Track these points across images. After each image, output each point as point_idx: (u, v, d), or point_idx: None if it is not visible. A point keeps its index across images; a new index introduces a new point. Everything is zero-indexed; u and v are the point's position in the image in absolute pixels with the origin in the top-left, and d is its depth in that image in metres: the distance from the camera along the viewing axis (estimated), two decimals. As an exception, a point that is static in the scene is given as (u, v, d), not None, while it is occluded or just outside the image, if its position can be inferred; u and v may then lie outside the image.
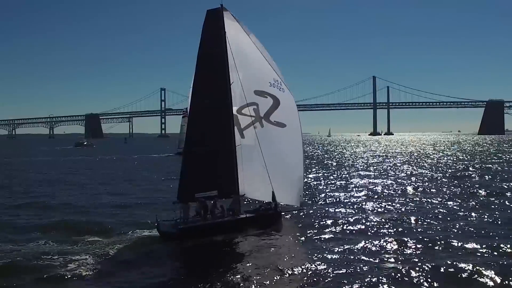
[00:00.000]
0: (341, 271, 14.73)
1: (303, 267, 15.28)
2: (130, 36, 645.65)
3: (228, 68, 20.63)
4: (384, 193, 31.54)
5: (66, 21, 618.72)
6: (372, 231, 20.15)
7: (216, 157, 20.40)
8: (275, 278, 14.42)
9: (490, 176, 41.39)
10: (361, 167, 55.50)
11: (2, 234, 20.35)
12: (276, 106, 21.40)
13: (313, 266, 15.34)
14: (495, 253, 16.32)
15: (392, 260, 15.88)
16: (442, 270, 14.56)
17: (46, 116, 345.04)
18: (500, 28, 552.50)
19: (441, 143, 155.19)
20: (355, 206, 26.48)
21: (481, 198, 28.62)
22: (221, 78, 20.51)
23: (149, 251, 17.53)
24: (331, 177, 43.31)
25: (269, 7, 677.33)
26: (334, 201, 28.71)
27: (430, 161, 64.67)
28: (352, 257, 16.28)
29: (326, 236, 19.44)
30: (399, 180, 39.60)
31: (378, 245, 17.67)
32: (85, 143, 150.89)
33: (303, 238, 19.38)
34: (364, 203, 27.59)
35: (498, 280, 13.65)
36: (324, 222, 21.96)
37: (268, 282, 14.07)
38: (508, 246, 16.94)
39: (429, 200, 27.89)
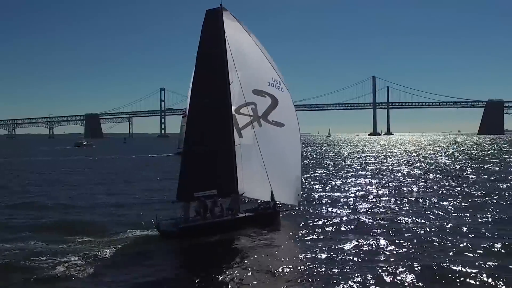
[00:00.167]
0: (339, 270, 14.80)
1: (301, 266, 15.39)
2: (130, 36, 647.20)
3: (227, 68, 20.70)
4: (381, 193, 31.65)
5: (66, 21, 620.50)
6: (369, 231, 20.22)
7: (215, 157, 20.48)
8: (274, 277, 14.49)
9: (486, 176, 41.50)
10: (359, 167, 55.66)
11: (2, 234, 20.36)
12: (274, 105, 21.44)
13: (312, 265, 15.43)
14: (487, 253, 16.35)
15: (392, 260, 15.90)
16: (436, 270, 14.63)
17: (46, 116, 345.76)
18: (500, 28, 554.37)
19: (440, 143, 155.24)
20: (353, 206, 26.59)
21: (475, 199, 28.63)
22: (220, 78, 20.60)
23: (148, 250, 17.55)
24: (329, 177, 43.44)
25: (269, 7, 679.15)
26: (332, 200, 28.82)
27: (428, 161, 64.80)
28: (351, 256, 16.36)
29: (324, 235, 19.53)
30: (396, 180, 39.75)
31: (374, 245, 17.73)
32: (85, 143, 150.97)
33: (301, 237, 19.46)
34: (362, 202, 27.74)
35: (491, 280, 13.69)
36: (322, 221, 22.06)
37: (267, 281, 14.17)
38: (500, 246, 17.02)
39: (425, 200, 28.00)
